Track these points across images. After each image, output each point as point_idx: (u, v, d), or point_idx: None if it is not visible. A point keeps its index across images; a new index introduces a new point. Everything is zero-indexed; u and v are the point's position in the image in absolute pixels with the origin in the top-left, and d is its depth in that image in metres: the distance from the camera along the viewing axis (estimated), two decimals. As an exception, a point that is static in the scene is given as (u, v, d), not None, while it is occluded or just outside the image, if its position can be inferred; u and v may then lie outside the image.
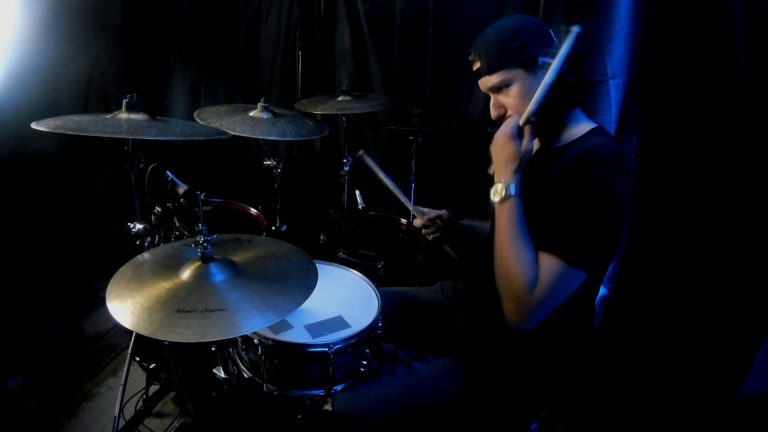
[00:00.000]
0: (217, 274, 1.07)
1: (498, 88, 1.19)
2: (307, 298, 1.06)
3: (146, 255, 1.22)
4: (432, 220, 1.53)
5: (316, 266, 1.19)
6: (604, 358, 1.23)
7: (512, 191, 1.11)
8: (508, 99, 1.19)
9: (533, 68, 1.15)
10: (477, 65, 1.21)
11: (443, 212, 1.54)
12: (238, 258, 1.16)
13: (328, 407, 1.19)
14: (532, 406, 1.27)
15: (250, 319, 0.97)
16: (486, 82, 1.20)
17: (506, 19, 1.21)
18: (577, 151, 1.13)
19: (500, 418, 1.25)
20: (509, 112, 1.20)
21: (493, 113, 1.23)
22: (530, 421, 1.29)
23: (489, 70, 1.17)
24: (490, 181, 1.41)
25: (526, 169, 1.25)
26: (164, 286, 1.03)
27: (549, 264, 1.03)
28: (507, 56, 1.15)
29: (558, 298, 1.04)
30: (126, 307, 0.98)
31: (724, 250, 1.67)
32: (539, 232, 1.08)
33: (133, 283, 1.05)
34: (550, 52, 1.14)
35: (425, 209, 1.54)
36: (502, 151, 1.15)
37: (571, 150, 1.17)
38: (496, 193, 1.13)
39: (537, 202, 1.15)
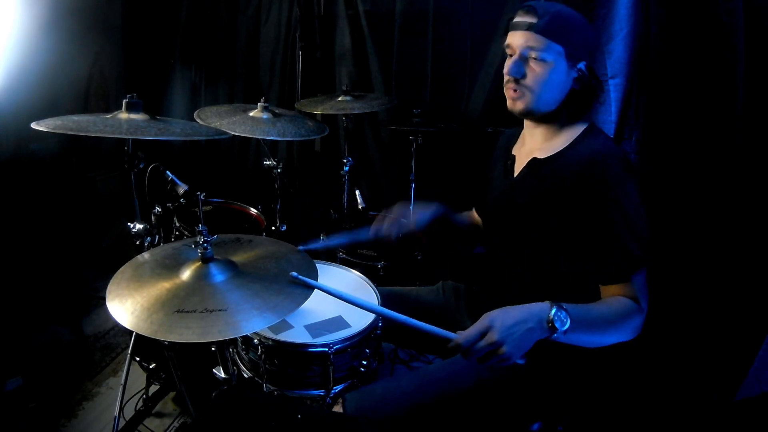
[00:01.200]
0: (217, 275, 1.07)
1: (533, 54, 1.14)
2: (307, 299, 1.05)
3: (146, 255, 1.21)
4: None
5: (316, 267, 1.19)
6: (604, 357, 1.24)
7: (565, 325, 1.01)
8: (535, 71, 1.15)
9: (571, 65, 1.15)
10: (528, 19, 1.13)
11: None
12: (238, 258, 1.16)
13: (338, 408, 1.19)
14: (540, 407, 1.27)
15: (250, 320, 0.96)
16: (529, 38, 1.13)
17: (578, 14, 1.18)
18: (579, 159, 1.15)
19: (507, 418, 1.25)
20: (526, 81, 1.16)
21: (510, 68, 1.17)
22: (533, 422, 1.29)
23: (543, 32, 1.12)
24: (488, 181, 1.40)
25: (522, 185, 1.26)
26: (164, 286, 1.03)
27: (625, 289, 1.10)
28: (566, 36, 1.13)
29: (647, 288, 1.12)
30: (126, 307, 0.98)
31: (724, 250, 1.67)
32: (575, 254, 1.15)
33: (133, 283, 1.05)
34: (591, 63, 1.17)
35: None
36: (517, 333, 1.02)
37: (569, 156, 1.19)
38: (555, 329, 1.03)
39: (547, 212, 1.17)
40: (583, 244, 1.14)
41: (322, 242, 1.52)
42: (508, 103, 1.23)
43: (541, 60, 1.14)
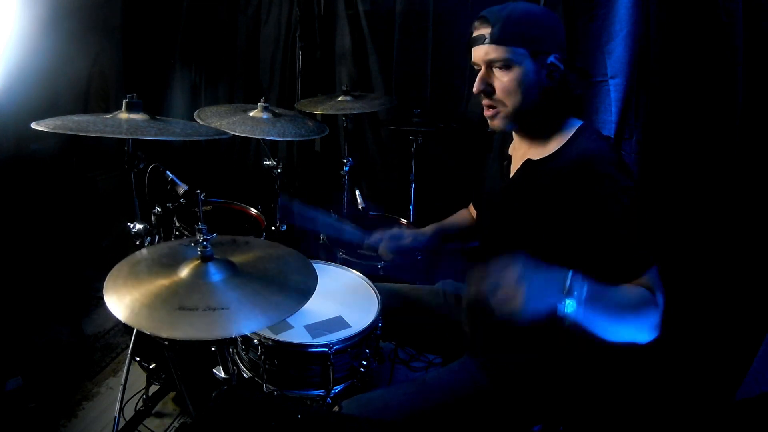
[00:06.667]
0: (216, 274, 1.06)
1: (496, 64, 1.12)
2: (310, 296, 1.05)
3: (144, 252, 1.21)
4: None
5: (315, 270, 1.18)
6: (604, 357, 1.25)
7: (583, 292, 0.95)
8: (502, 81, 1.12)
9: (539, 62, 1.11)
10: (484, 31, 1.11)
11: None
12: (235, 259, 1.15)
13: None
14: (540, 409, 1.27)
15: (254, 318, 0.97)
16: (488, 51, 1.11)
17: (534, 6, 1.17)
18: (571, 161, 1.13)
19: (508, 422, 1.25)
20: (496, 95, 1.15)
21: (477, 86, 1.15)
22: (535, 423, 1.28)
23: (499, 41, 1.09)
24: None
25: (516, 187, 1.25)
26: (162, 283, 1.02)
27: (642, 285, 1.06)
28: (524, 36, 1.09)
29: (662, 286, 1.08)
30: (125, 303, 0.97)
31: (724, 249, 1.67)
32: (581, 258, 1.09)
33: (131, 280, 1.04)
34: (562, 56, 1.12)
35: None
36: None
37: (562, 158, 1.16)
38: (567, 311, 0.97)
39: (542, 214, 1.16)
40: (584, 246, 1.11)
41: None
42: (489, 122, 1.21)
43: (505, 68, 1.11)
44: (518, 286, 0.91)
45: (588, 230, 1.10)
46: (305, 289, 1.08)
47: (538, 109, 1.17)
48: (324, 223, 1.54)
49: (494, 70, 1.14)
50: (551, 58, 1.11)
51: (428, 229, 1.58)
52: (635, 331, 1.04)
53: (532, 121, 1.20)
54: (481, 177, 1.50)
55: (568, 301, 0.94)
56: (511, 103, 1.15)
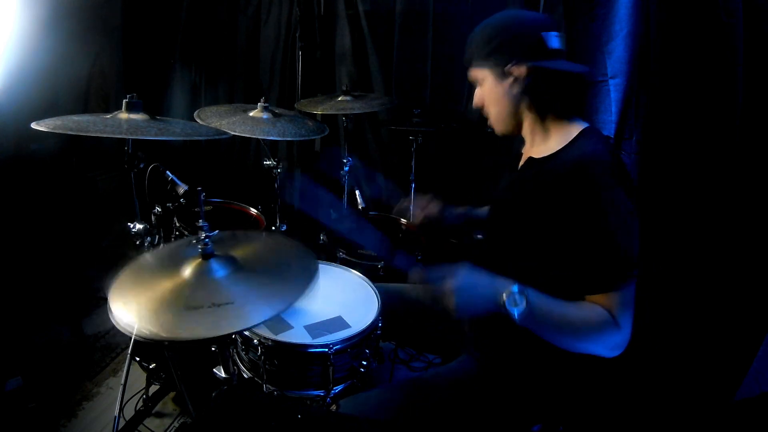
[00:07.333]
0: (219, 270, 1.05)
1: (475, 83, 1.26)
2: (311, 285, 1.04)
3: (148, 257, 1.20)
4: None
5: (316, 260, 1.17)
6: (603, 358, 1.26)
7: (518, 307, 1.03)
8: (482, 95, 1.25)
9: (499, 75, 1.19)
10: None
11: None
12: (237, 253, 1.14)
13: None
14: (540, 409, 1.26)
15: (259, 310, 0.96)
16: (470, 72, 1.26)
17: (500, 15, 1.24)
18: (568, 163, 1.13)
19: (507, 422, 1.24)
20: (483, 107, 1.27)
21: (473, 101, 1.30)
22: (534, 423, 1.28)
23: (469, 61, 1.25)
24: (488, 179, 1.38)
25: (518, 183, 1.27)
26: (166, 286, 1.02)
27: (610, 300, 1.06)
28: (480, 55, 1.21)
29: (632, 309, 1.08)
30: (131, 309, 0.96)
31: (724, 250, 1.68)
32: (563, 261, 1.11)
33: (136, 287, 1.03)
34: (524, 60, 1.15)
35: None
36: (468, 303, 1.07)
37: (561, 159, 1.16)
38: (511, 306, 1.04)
39: (533, 212, 1.16)
40: (567, 250, 1.11)
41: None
42: None
43: (479, 85, 1.25)
44: (451, 295, 1.03)
45: (571, 234, 1.09)
46: (308, 275, 1.06)
47: (520, 112, 1.23)
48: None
49: (478, 85, 1.27)
50: (509, 67, 1.17)
51: (459, 210, 1.63)
52: (588, 346, 1.07)
53: (519, 123, 1.26)
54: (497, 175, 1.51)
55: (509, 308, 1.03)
56: (491, 113, 1.27)
